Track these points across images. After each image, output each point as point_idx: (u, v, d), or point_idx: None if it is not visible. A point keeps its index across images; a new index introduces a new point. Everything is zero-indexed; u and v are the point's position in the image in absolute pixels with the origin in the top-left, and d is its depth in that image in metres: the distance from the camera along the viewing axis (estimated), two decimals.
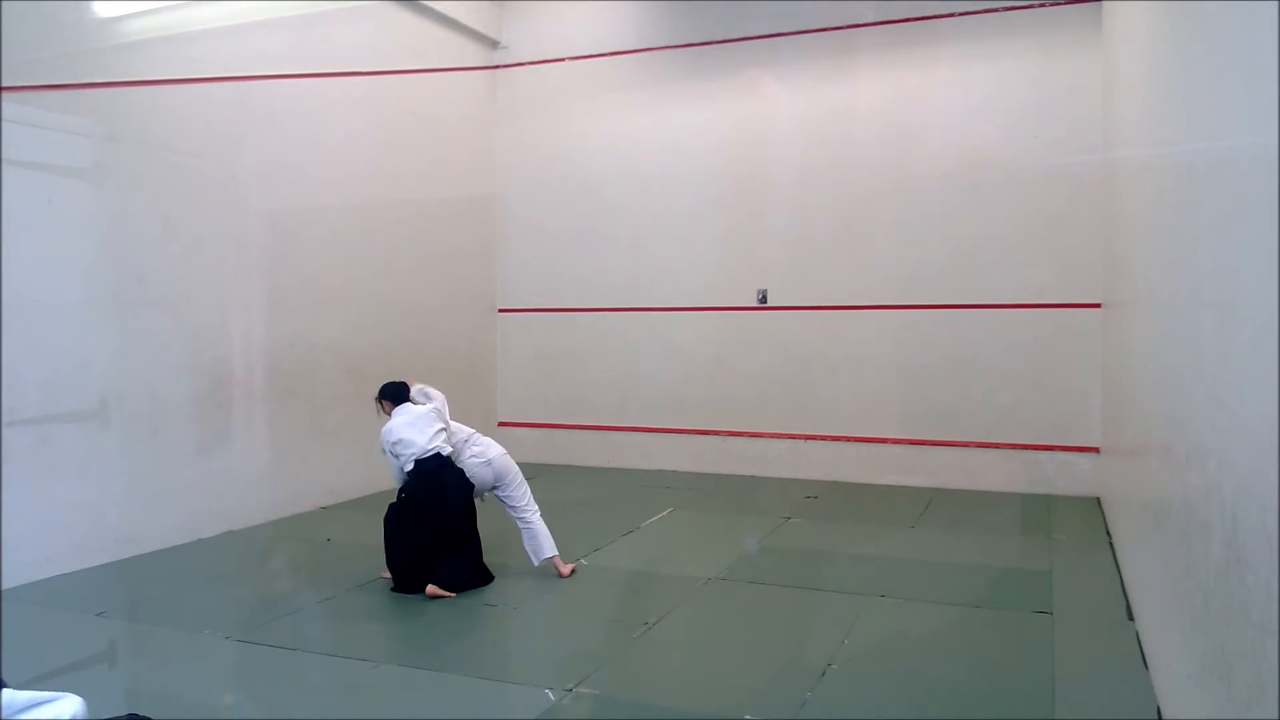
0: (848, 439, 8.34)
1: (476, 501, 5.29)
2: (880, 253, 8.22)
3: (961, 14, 7.88)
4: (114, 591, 5.31)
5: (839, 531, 6.58)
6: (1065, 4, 7.56)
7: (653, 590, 5.21)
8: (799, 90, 8.47)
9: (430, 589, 4.96)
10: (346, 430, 7.51)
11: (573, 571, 5.37)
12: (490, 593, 5.09)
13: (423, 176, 8.60)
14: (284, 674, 4.06)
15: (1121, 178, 5.60)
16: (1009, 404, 7.82)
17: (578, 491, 7.82)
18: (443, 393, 5.49)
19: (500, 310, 9.75)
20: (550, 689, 3.73)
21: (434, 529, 5.04)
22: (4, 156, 5.11)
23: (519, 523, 5.32)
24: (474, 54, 9.34)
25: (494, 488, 5.37)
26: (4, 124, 5.11)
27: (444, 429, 5.20)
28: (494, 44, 9.54)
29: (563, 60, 9.38)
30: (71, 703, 1.17)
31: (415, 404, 5.29)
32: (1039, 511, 7.05)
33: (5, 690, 1.15)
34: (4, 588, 5.08)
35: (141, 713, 1.64)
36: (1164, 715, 3.32)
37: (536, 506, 5.36)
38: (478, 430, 5.55)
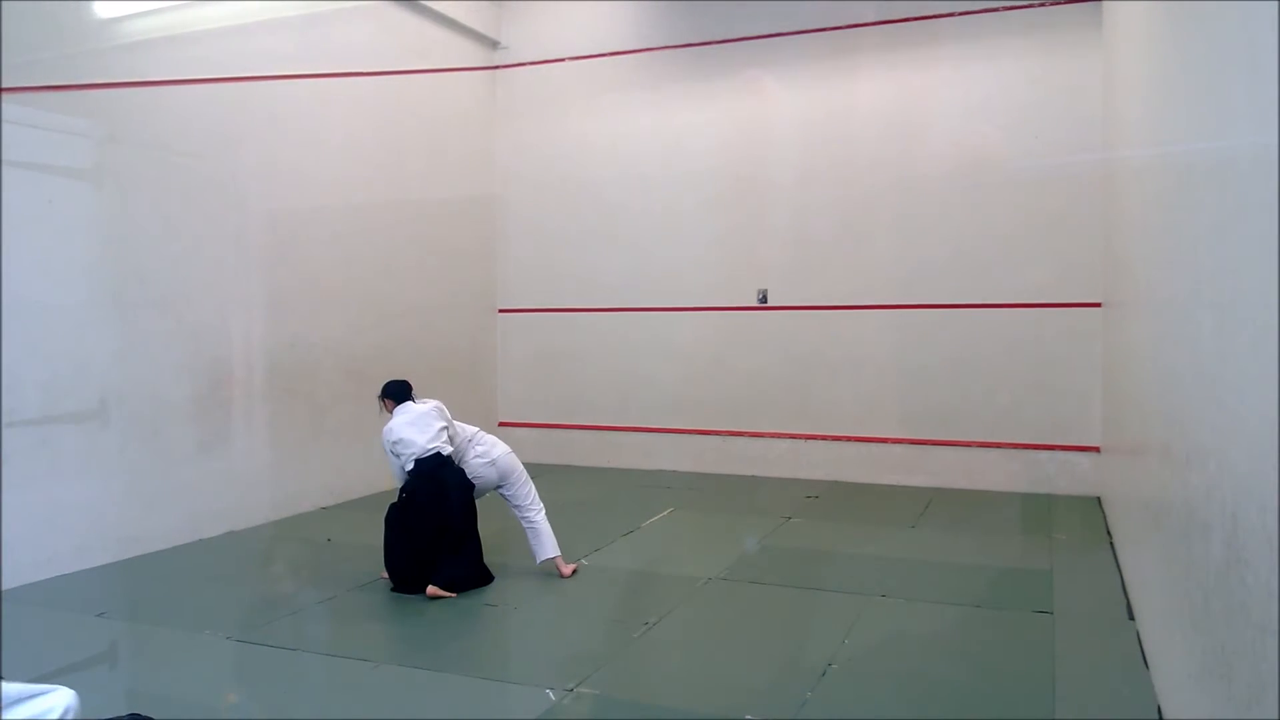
0: (848, 439, 8.34)
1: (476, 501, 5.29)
2: (881, 252, 8.22)
3: (961, 14, 7.88)
4: (114, 592, 5.31)
5: (839, 531, 6.58)
6: (1065, 4, 7.56)
7: (653, 590, 5.21)
8: (799, 90, 8.47)
9: (430, 590, 4.96)
10: (347, 430, 7.52)
11: (574, 572, 5.37)
12: (491, 593, 5.09)
13: (423, 177, 8.61)
14: (284, 674, 4.06)
15: (1122, 177, 5.59)
16: (1009, 404, 7.82)
17: (578, 491, 7.82)
18: (441, 395, 5.47)
19: (500, 310, 9.75)
20: (551, 689, 3.73)
21: (434, 529, 5.04)
22: (4, 157, 5.11)
23: (523, 522, 5.32)
24: (474, 54, 9.34)
25: (498, 487, 5.37)
26: (4, 124, 5.11)
27: (445, 428, 5.19)
28: (494, 44, 9.54)
29: (563, 60, 9.38)
30: (64, 695, 1.17)
31: (416, 403, 5.29)
32: (1039, 511, 7.05)
33: (1, 682, 1.15)
34: (4, 588, 5.08)
35: (143, 713, 1.64)
36: (1164, 715, 3.32)
37: (541, 505, 5.35)
38: (480, 429, 5.54)
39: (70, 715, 1.21)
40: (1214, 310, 2.37)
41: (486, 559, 5.26)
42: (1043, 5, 7.64)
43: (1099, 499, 7.28)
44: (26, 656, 4.10)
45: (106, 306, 5.75)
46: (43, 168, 5.43)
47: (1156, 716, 3.40)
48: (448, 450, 5.14)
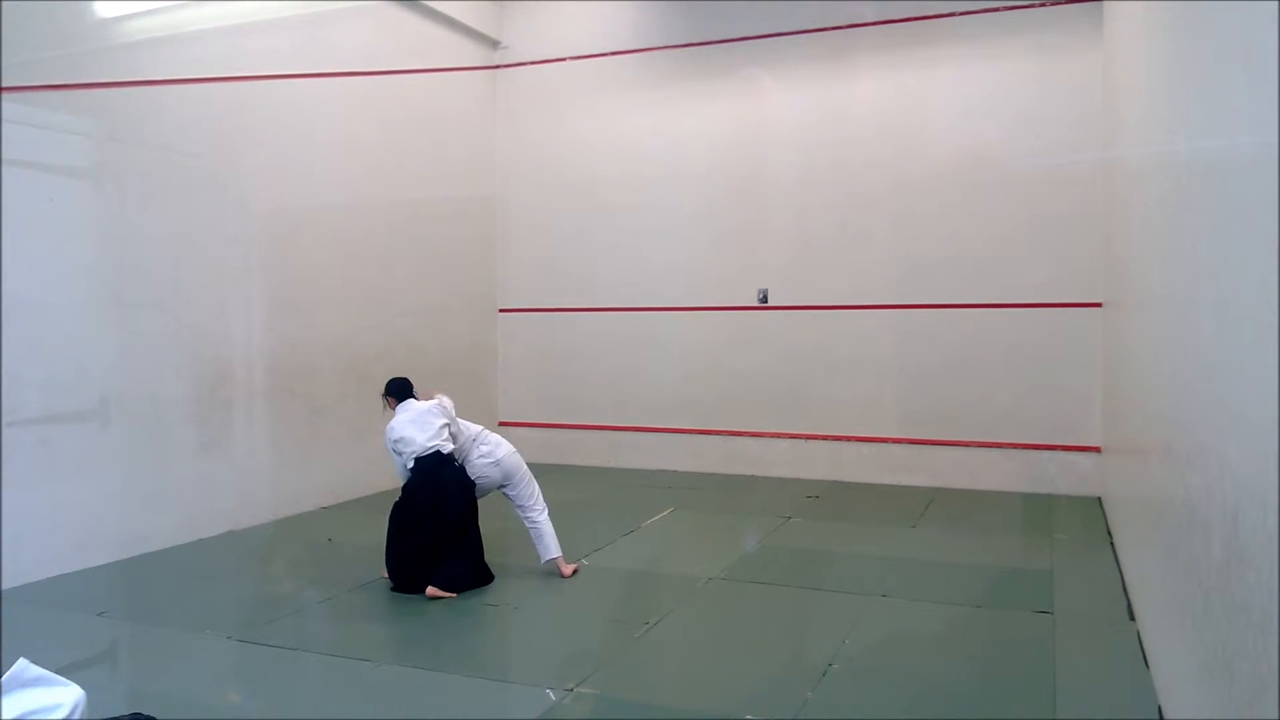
0: (848, 439, 8.34)
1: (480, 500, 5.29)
2: (881, 252, 8.22)
3: (962, 14, 7.88)
4: (115, 591, 5.31)
5: (840, 531, 6.58)
6: (1065, 3, 7.56)
7: (653, 590, 5.21)
8: (799, 90, 8.47)
9: (430, 590, 4.95)
10: (347, 430, 7.52)
11: (574, 572, 5.37)
12: (491, 593, 5.08)
13: (423, 176, 8.61)
14: (285, 674, 4.06)
15: (1122, 177, 5.59)
16: (1010, 403, 7.81)
17: (578, 491, 7.82)
18: (442, 393, 5.46)
19: (501, 310, 9.75)
20: (551, 689, 3.73)
21: (433, 528, 5.03)
22: (4, 156, 5.11)
23: (526, 522, 5.31)
24: (474, 54, 9.34)
25: (502, 486, 5.36)
26: (4, 124, 5.11)
27: (447, 425, 5.18)
28: (494, 44, 9.54)
29: (563, 60, 9.38)
30: (73, 692, 1.17)
31: (418, 400, 5.28)
32: (1040, 511, 7.04)
33: (21, 660, 1.16)
34: (4, 587, 5.08)
35: (145, 712, 1.64)
36: (1165, 715, 3.32)
37: (545, 505, 5.33)
38: (484, 428, 5.53)
39: (77, 714, 1.21)
40: (1214, 309, 2.37)
41: (487, 559, 5.25)
42: (1043, 5, 7.64)
43: (1099, 499, 7.28)
44: (26, 656, 4.09)
45: (106, 306, 5.75)
46: (43, 167, 5.43)
47: (1157, 716, 3.40)
48: (448, 448, 5.13)
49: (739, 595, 5.08)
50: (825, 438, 8.42)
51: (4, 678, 1.12)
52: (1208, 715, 2.39)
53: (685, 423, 8.94)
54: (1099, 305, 7.40)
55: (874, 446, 8.26)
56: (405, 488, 5.17)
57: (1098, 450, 7.46)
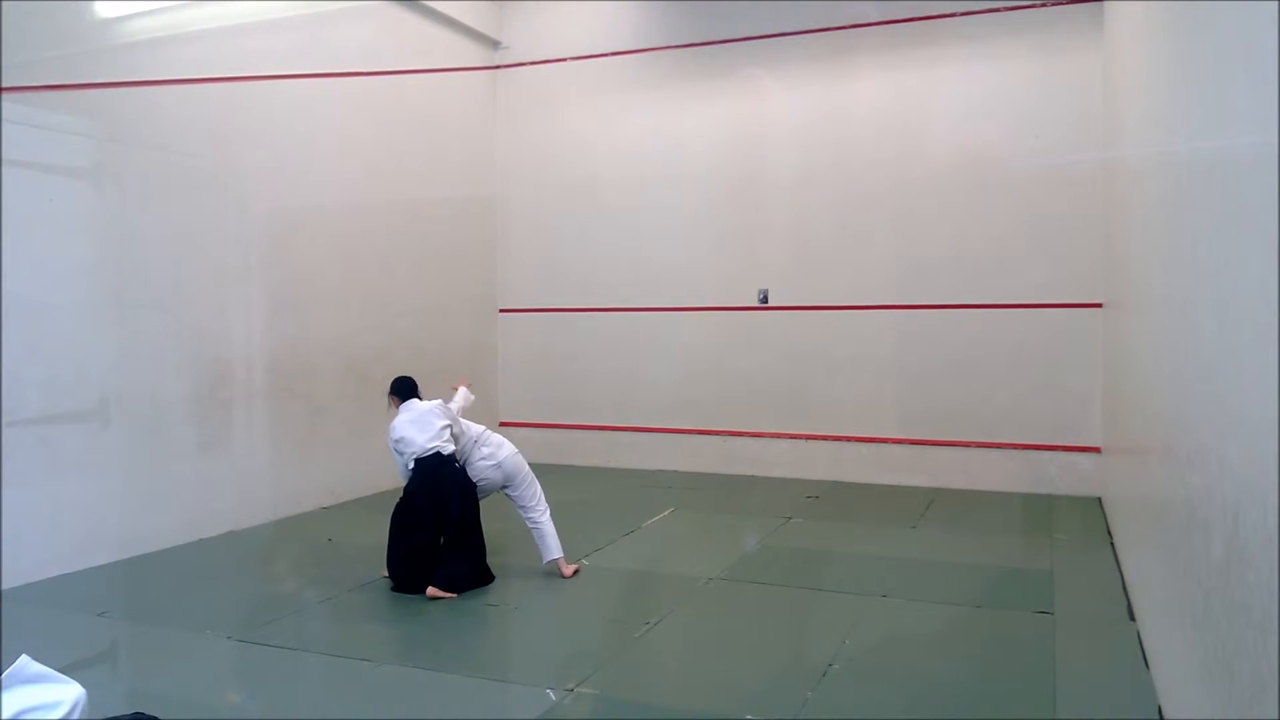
0: (849, 439, 8.34)
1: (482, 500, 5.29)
2: (881, 252, 8.22)
3: (962, 14, 7.88)
4: (115, 591, 5.31)
5: (840, 531, 6.58)
6: (1066, 4, 7.56)
7: (654, 590, 5.21)
8: (800, 90, 8.47)
9: (430, 590, 4.95)
10: (347, 430, 7.52)
11: (575, 573, 5.37)
12: (491, 593, 5.08)
13: (423, 176, 8.61)
14: (285, 674, 4.06)
15: (1122, 177, 5.59)
16: (1010, 404, 7.81)
17: (579, 491, 7.82)
18: (442, 395, 5.46)
19: (501, 310, 9.75)
20: (551, 689, 3.73)
21: (433, 529, 5.04)
22: (4, 156, 5.11)
23: (528, 523, 5.31)
24: (474, 54, 9.34)
25: (504, 487, 5.35)
26: (4, 124, 5.11)
27: (448, 426, 5.17)
28: (494, 44, 9.54)
29: (563, 60, 9.38)
30: (74, 690, 1.17)
31: (421, 401, 5.27)
32: (1040, 511, 7.04)
33: (23, 656, 1.16)
34: (5, 587, 5.08)
35: (146, 712, 1.64)
36: (1165, 715, 3.32)
37: (547, 506, 5.32)
38: (486, 429, 5.53)
39: (76, 713, 1.21)
40: (1214, 309, 2.37)
41: (488, 559, 5.25)
42: (1043, 5, 7.64)
43: (1099, 499, 7.28)
44: (27, 656, 4.09)
45: (106, 306, 5.75)
46: (43, 167, 5.43)
47: (1157, 716, 3.40)
48: (448, 450, 5.13)
49: (739, 595, 5.08)
50: (825, 438, 8.42)
51: (5, 674, 1.12)
52: (1208, 715, 2.39)
53: (685, 423, 8.94)
54: (1099, 305, 7.40)
55: (874, 447, 8.25)
56: (406, 488, 5.17)
57: (1098, 450, 7.46)
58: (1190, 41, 2.90)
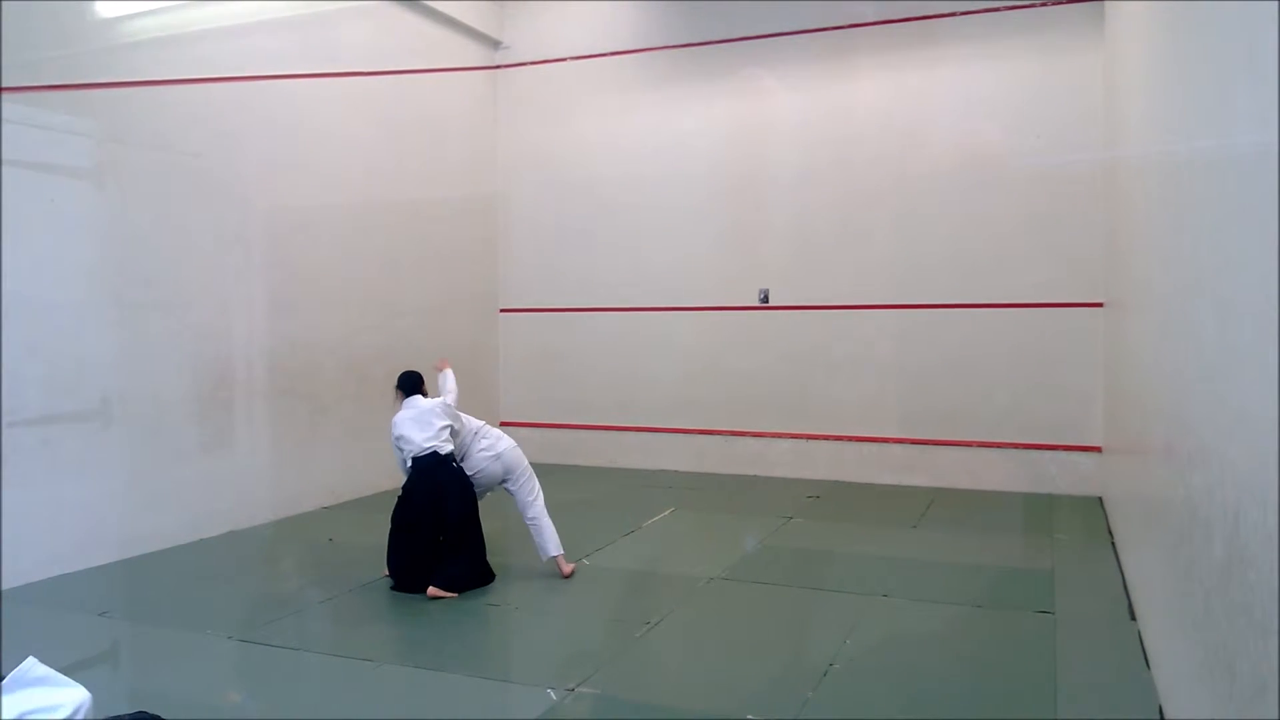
0: (849, 439, 8.34)
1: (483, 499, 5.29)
2: (882, 252, 8.22)
3: (963, 13, 7.87)
4: (116, 591, 5.32)
5: (841, 531, 6.58)
6: (1066, 3, 7.55)
7: (654, 590, 5.21)
8: (800, 90, 8.47)
9: (430, 591, 4.95)
10: (348, 430, 7.52)
11: (573, 572, 5.36)
12: (492, 592, 5.08)
13: (424, 176, 8.61)
14: (286, 674, 4.06)
15: (1123, 176, 5.59)
16: (1011, 403, 7.81)
17: (579, 491, 7.82)
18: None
19: (502, 310, 9.75)
20: (552, 689, 3.73)
21: (431, 528, 5.03)
22: (4, 156, 5.11)
23: (526, 520, 5.31)
24: (475, 54, 9.34)
25: (503, 481, 5.36)
26: (4, 124, 5.11)
27: (448, 426, 5.16)
28: (495, 44, 9.54)
29: (564, 60, 9.38)
30: (78, 693, 1.16)
31: (425, 397, 5.26)
32: (1041, 511, 7.04)
33: (29, 658, 1.15)
34: (5, 587, 5.09)
35: (148, 711, 1.64)
36: (1166, 714, 3.32)
37: (543, 503, 5.33)
38: (486, 423, 5.53)
39: (80, 715, 1.20)
40: (1215, 309, 2.37)
41: (488, 558, 5.25)
42: (1044, 5, 7.63)
43: (1100, 499, 7.27)
44: (28, 656, 4.10)
45: (108, 306, 5.75)
46: (44, 167, 5.43)
47: (1158, 716, 3.40)
48: (446, 449, 5.12)
49: (740, 595, 5.07)
50: (826, 438, 8.42)
51: (9, 676, 1.12)
52: (1208, 715, 2.39)
53: (686, 423, 8.94)
54: (1100, 305, 7.40)
55: (875, 446, 8.25)
56: (404, 486, 5.18)
57: (1099, 450, 7.46)
58: (1191, 41, 2.90)
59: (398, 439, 5.15)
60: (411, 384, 5.30)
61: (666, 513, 7.09)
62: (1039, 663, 3.99)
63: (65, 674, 1.37)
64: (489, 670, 4.19)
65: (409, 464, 5.13)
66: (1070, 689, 3.69)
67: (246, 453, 6.77)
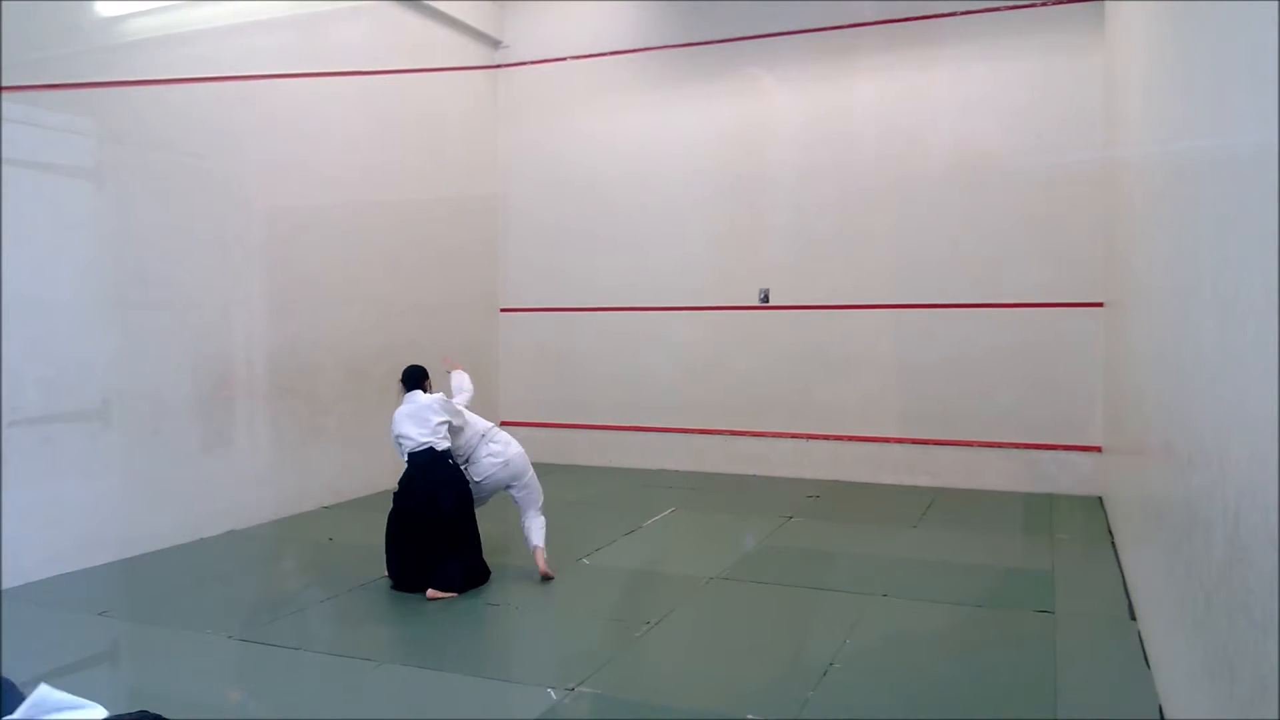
0: (849, 438, 8.34)
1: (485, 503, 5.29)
2: (882, 252, 8.22)
3: (963, 13, 7.87)
4: (116, 591, 5.32)
5: (841, 531, 6.58)
6: (1066, 3, 7.55)
7: (654, 590, 5.21)
8: (800, 90, 8.47)
9: (430, 593, 4.95)
10: (348, 430, 7.52)
11: (547, 575, 5.21)
12: (492, 592, 5.08)
13: (424, 176, 8.61)
14: (286, 673, 4.06)
15: (1123, 176, 5.59)
16: (1011, 403, 7.81)
17: (580, 491, 7.82)
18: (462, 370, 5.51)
19: (502, 310, 9.75)
20: (552, 688, 3.73)
21: (428, 526, 5.01)
22: (5, 156, 5.11)
23: (524, 520, 5.29)
24: (476, 53, 9.34)
25: (508, 487, 5.34)
26: (5, 123, 5.11)
27: (445, 422, 5.13)
28: (496, 43, 9.54)
29: (564, 60, 9.38)
30: (96, 714, 1.15)
31: (426, 393, 5.25)
32: (1041, 511, 7.04)
33: (43, 685, 1.14)
34: (6, 587, 5.09)
35: (150, 710, 1.63)
36: (1166, 715, 3.32)
37: (542, 512, 5.32)
38: (494, 425, 5.51)
39: None
40: (1215, 309, 2.37)
41: (487, 558, 5.24)
42: (1044, 4, 7.63)
43: (1100, 499, 7.27)
44: (28, 655, 4.10)
45: (108, 305, 5.75)
46: (44, 167, 5.43)
47: (1158, 716, 3.39)
48: (442, 446, 5.09)
49: (740, 595, 5.07)
50: (826, 437, 8.42)
51: (26, 702, 1.11)
52: (1209, 715, 2.39)
53: (686, 422, 8.94)
54: (1100, 305, 7.39)
55: (875, 446, 8.25)
56: (399, 481, 5.18)
57: (1099, 450, 7.46)
58: (1191, 41, 2.90)
59: (397, 435, 5.15)
60: (412, 379, 5.28)
61: (667, 512, 7.09)
62: (1039, 663, 3.99)
63: (64, 674, 1.37)
64: (489, 670, 4.19)
65: (404, 459, 5.13)
66: (1070, 689, 3.69)
67: (246, 452, 6.77)
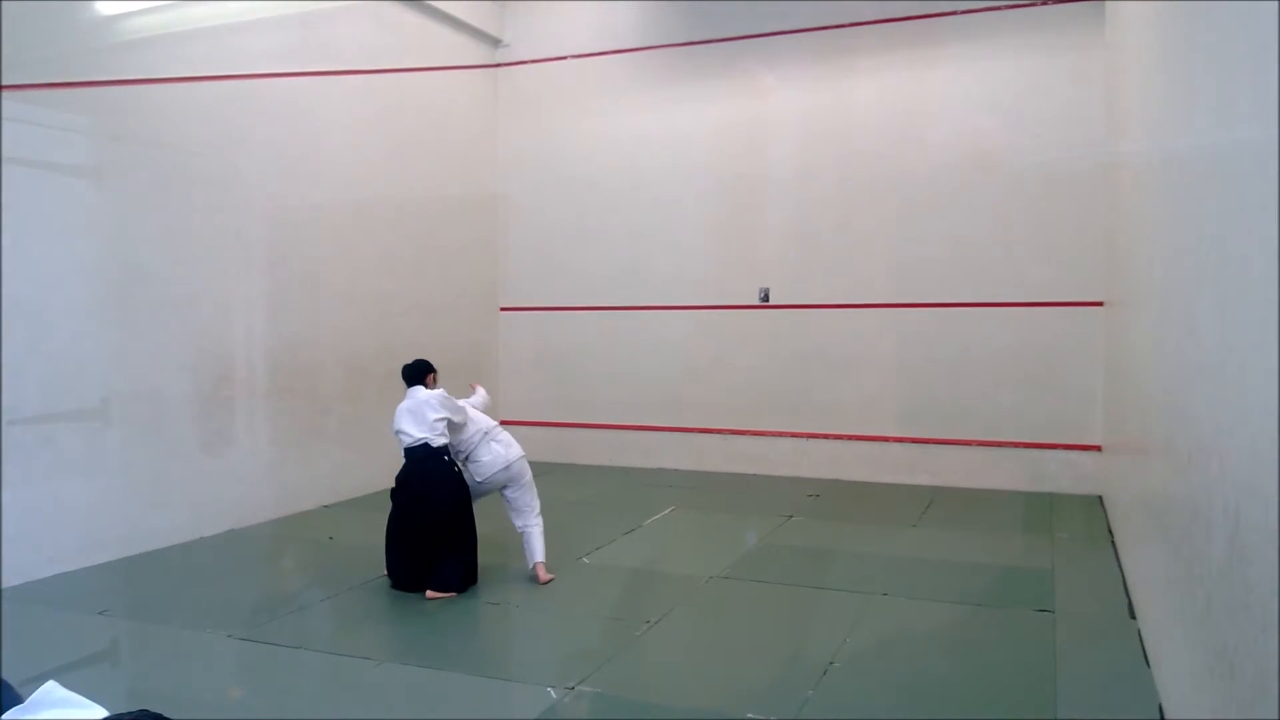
0: (850, 438, 8.34)
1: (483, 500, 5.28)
2: (882, 251, 8.22)
3: (963, 12, 7.87)
4: (116, 590, 5.32)
5: (841, 530, 6.58)
6: (1067, 2, 7.55)
7: (654, 589, 5.21)
8: (801, 89, 8.47)
9: (429, 594, 4.95)
10: (349, 429, 7.52)
11: (549, 579, 5.22)
12: (492, 592, 5.08)
13: (425, 175, 8.61)
14: (286, 672, 4.06)
15: (1124, 175, 5.59)
16: (1011, 402, 7.81)
17: (580, 490, 7.83)
18: (444, 388, 5.45)
19: (502, 309, 9.75)
20: (552, 687, 3.73)
21: (425, 524, 5.00)
22: (4, 156, 5.11)
23: (518, 525, 5.27)
24: (476, 52, 9.34)
25: (504, 487, 5.33)
26: (5, 122, 5.11)
27: (443, 419, 5.11)
28: (496, 42, 9.54)
29: (564, 59, 9.38)
30: (96, 714, 1.15)
31: (426, 389, 5.23)
32: (1041, 510, 7.04)
33: (51, 682, 1.14)
34: (6, 586, 5.09)
35: (150, 709, 1.63)
36: (1166, 714, 3.32)
37: (538, 511, 5.30)
38: (497, 425, 5.51)
39: None
40: (1216, 308, 2.37)
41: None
42: (1044, 4, 7.63)
43: (1100, 498, 7.27)
44: (28, 654, 4.10)
45: (108, 305, 5.75)
46: (44, 166, 5.43)
47: (1158, 715, 3.40)
48: (439, 443, 5.07)
49: (740, 594, 5.08)
50: (826, 437, 8.42)
51: (30, 699, 1.10)
52: (1209, 714, 2.39)
53: (687, 421, 8.94)
54: (1100, 304, 7.39)
55: (875, 445, 8.25)
56: (397, 477, 5.17)
57: (1099, 449, 7.46)
58: (1191, 40, 2.89)
59: (396, 431, 5.15)
60: (413, 374, 5.26)
61: (667, 511, 7.09)
62: (1039, 661, 3.99)
63: (64, 673, 1.37)
64: (489, 669, 4.19)
65: (401, 455, 5.13)
66: (1070, 688, 3.69)
67: (246, 451, 6.77)
